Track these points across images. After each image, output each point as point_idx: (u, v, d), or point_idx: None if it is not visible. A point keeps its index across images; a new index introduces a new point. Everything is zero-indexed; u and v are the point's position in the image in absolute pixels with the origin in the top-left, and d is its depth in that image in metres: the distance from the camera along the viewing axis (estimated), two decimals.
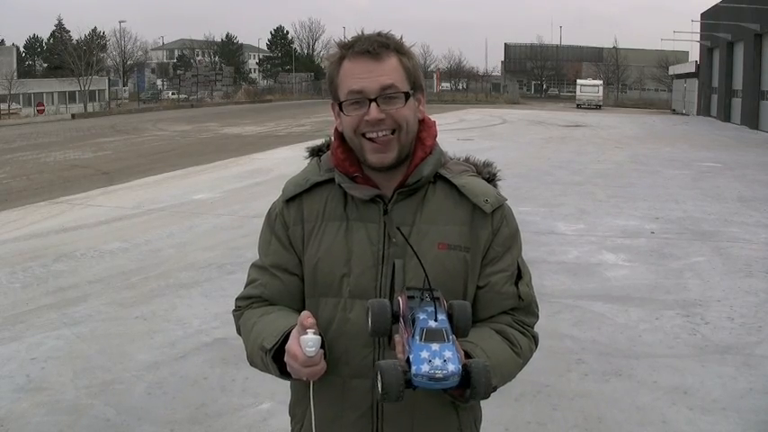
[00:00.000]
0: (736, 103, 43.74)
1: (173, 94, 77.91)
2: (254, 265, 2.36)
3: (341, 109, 2.20)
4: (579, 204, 14.81)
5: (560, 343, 7.22)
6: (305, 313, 2.00)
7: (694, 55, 63.88)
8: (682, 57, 77.74)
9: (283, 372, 2.07)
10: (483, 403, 5.63)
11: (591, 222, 13.03)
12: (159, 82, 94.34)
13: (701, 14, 53.55)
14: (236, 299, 2.37)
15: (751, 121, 38.16)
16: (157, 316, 7.85)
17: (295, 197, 2.31)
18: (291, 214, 2.27)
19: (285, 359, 2.01)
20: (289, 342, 2.00)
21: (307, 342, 1.93)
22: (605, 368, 6.60)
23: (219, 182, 17.38)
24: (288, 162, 21.47)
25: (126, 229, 12.08)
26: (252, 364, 2.24)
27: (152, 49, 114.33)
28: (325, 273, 2.20)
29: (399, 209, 2.21)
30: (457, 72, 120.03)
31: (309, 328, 1.95)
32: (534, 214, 13.59)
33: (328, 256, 2.20)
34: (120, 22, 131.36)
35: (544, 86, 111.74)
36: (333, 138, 2.30)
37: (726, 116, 45.28)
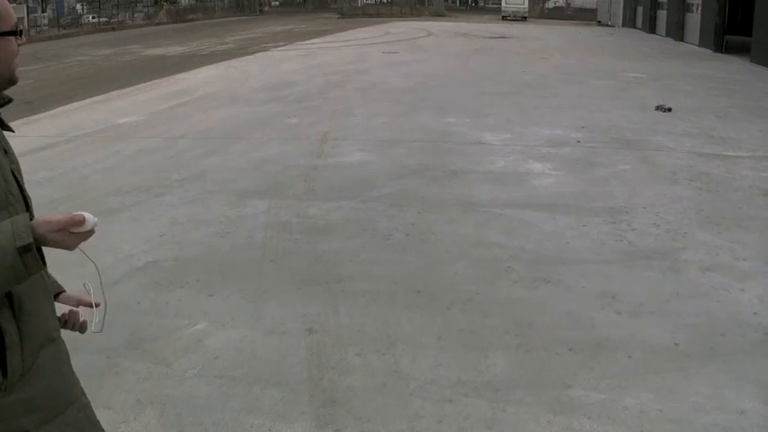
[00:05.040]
0: (662, 15, 43.87)
1: (93, 17, 75.66)
2: None
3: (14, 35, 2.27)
4: (505, 115, 14.76)
5: (489, 251, 7.21)
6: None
7: None
8: None
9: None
10: (413, 312, 5.53)
11: (517, 132, 12.99)
12: (79, 6, 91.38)
13: None
14: None
15: (676, 33, 38.36)
16: (87, 244, 7.60)
17: None
18: None
19: (58, 235, 2.19)
20: (62, 218, 2.18)
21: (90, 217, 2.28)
22: (534, 275, 6.61)
23: (144, 104, 16.89)
24: (213, 81, 21.07)
25: (51, 157, 11.66)
26: None
27: None
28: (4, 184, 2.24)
29: None
30: None
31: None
32: (461, 125, 13.53)
33: None
34: None
35: None
36: None
37: (651, 28, 45.44)
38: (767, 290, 6.29)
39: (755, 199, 8.94)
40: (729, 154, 11.23)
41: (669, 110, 12.85)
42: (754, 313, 5.84)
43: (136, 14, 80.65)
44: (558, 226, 7.97)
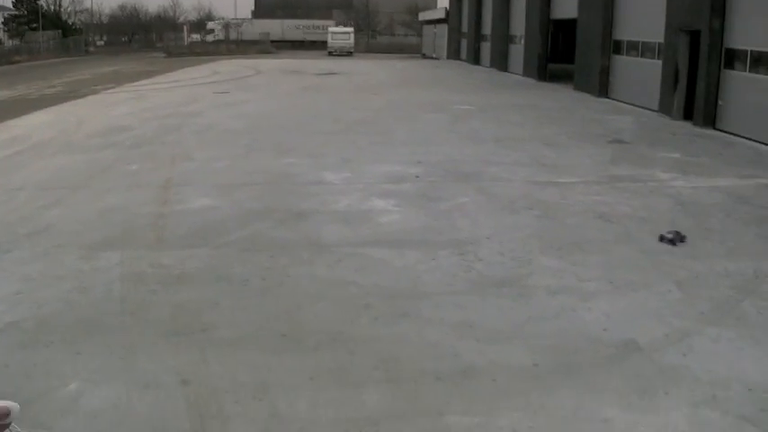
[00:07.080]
0: (486, 46, 45.51)
1: None
2: None
3: None
4: (342, 153, 14.98)
5: (346, 290, 7.39)
6: None
7: (444, 2, 65.69)
8: (431, 3, 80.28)
9: None
10: (282, 356, 5.61)
11: (356, 170, 13.23)
12: None
13: None
14: None
15: (500, 63, 39.87)
16: None
17: None
18: None
19: None
20: None
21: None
22: (393, 310, 6.84)
23: None
24: (46, 127, 20.41)
25: None
26: None
27: None
28: None
29: None
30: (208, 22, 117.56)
31: None
32: (300, 165, 13.66)
33: None
34: None
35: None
36: None
37: (475, 59, 47.04)
38: (612, 307, 6.76)
39: (591, 222, 9.50)
40: (562, 180, 11.83)
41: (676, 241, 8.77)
42: (604, 329, 6.27)
43: None
44: (408, 261, 8.23)
